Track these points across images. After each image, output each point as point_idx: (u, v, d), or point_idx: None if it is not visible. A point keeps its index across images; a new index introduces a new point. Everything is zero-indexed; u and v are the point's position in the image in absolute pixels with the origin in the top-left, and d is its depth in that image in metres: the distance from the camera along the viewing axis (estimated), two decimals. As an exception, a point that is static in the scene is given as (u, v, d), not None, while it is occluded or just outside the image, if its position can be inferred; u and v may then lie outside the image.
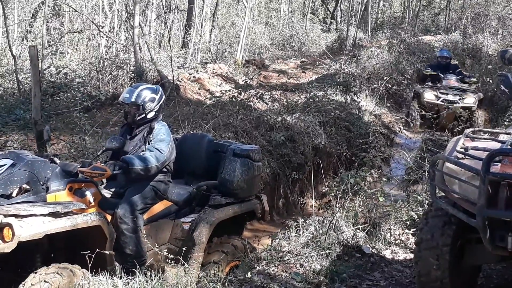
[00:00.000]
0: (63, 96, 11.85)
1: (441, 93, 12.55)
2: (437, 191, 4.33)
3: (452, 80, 12.84)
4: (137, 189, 5.40)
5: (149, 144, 5.47)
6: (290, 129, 9.88)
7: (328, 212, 5.78)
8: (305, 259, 4.97)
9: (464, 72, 13.79)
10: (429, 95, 12.68)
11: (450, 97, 12.38)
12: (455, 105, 11.99)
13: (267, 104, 10.89)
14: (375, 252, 5.39)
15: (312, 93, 11.68)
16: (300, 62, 18.92)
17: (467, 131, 4.65)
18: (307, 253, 5.03)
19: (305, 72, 17.04)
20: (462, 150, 4.21)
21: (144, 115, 5.55)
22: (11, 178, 4.73)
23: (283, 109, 10.84)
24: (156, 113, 5.61)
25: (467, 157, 4.13)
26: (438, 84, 12.93)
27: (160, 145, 5.39)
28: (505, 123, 9.40)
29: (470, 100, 12.35)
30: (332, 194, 5.93)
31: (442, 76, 13.02)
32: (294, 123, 10.07)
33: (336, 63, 15.50)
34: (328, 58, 17.74)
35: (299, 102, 11.50)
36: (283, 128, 9.85)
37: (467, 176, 3.98)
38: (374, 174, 5.84)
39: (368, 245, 5.39)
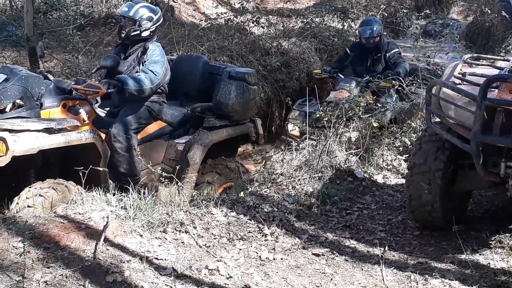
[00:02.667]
0: (56, 14, 11.61)
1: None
2: (432, 117, 4.34)
3: (345, 90, 7.52)
4: (131, 108, 5.39)
5: (143, 65, 5.41)
6: (286, 54, 9.79)
7: (321, 137, 5.78)
8: (297, 182, 5.02)
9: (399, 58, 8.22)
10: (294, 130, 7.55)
11: None
12: None
13: (263, 28, 10.74)
14: (367, 176, 5.44)
15: (309, 19, 11.50)
16: (298, -13, 18.56)
17: (465, 57, 4.62)
18: (299, 176, 5.08)
19: (302, -3, 16.73)
20: (460, 75, 4.18)
21: (138, 32, 5.47)
22: (5, 93, 4.69)
23: (279, 34, 10.70)
24: (151, 33, 5.53)
25: (464, 82, 4.12)
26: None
27: (154, 67, 5.34)
28: (501, 54, 9.31)
29: None
30: (326, 118, 5.92)
31: (340, 78, 7.97)
32: (289, 48, 9.97)
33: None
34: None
35: (296, 27, 11.34)
36: (278, 53, 9.76)
37: (464, 102, 3.98)
38: (369, 99, 5.82)
39: (360, 170, 5.44)
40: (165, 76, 5.53)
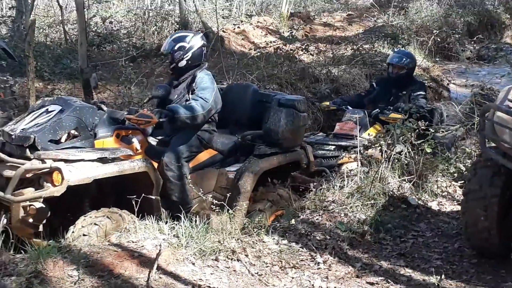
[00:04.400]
0: (109, 47, 11.96)
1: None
2: (486, 141, 4.24)
3: (351, 121, 7.24)
4: (182, 137, 5.44)
5: (192, 93, 5.47)
6: (336, 81, 9.79)
7: (373, 163, 5.71)
8: (350, 209, 4.95)
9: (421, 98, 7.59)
10: None
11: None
12: None
13: (313, 55, 10.77)
14: (421, 203, 5.33)
15: (359, 45, 11.48)
16: (347, 15, 18.58)
17: (521, 80, 4.52)
18: (351, 203, 5.01)
19: (351, 25, 16.75)
20: (515, 99, 4.09)
21: (175, 64, 5.55)
22: (60, 123, 4.81)
23: (328, 61, 10.71)
24: (189, 62, 5.55)
25: (519, 106, 4.02)
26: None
27: (204, 94, 5.38)
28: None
29: None
30: (378, 145, 5.85)
31: (348, 110, 7.60)
32: (339, 75, 9.97)
33: (384, 15, 15.16)
34: (375, 11, 17.37)
35: (345, 54, 11.33)
36: (328, 80, 9.77)
37: (519, 125, 3.88)
38: (421, 125, 5.72)
39: (414, 196, 5.34)
40: (217, 104, 5.57)
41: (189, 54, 5.54)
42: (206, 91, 5.41)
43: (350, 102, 7.82)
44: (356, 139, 6.65)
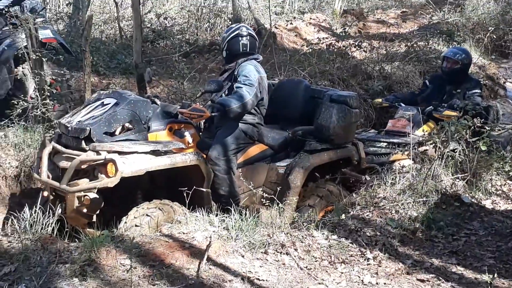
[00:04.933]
0: (163, 43, 12.10)
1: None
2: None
3: (404, 118, 7.15)
4: (226, 131, 5.45)
5: (235, 81, 5.50)
6: (389, 78, 9.68)
7: (426, 161, 5.63)
8: (401, 206, 4.89)
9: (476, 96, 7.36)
10: None
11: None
12: None
13: (366, 52, 10.68)
14: (475, 201, 5.22)
15: (413, 42, 11.32)
16: (401, 13, 18.31)
17: None
18: (403, 200, 4.95)
19: (405, 22, 16.48)
20: None
21: (227, 52, 5.72)
22: (115, 116, 4.90)
23: (381, 58, 10.59)
24: (227, 52, 5.69)
25: None
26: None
27: (247, 79, 5.41)
28: None
29: None
30: (431, 142, 5.76)
31: (400, 107, 7.47)
32: (393, 72, 9.85)
33: (439, 13, 14.90)
34: (430, 8, 17.09)
35: (399, 51, 11.19)
36: (381, 77, 9.67)
37: None
38: (477, 123, 5.60)
39: (467, 195, 5.23)
40: (263, 89, 5.57)
41: (226, 44, 5.63)
42: (248, 76, 5.43)
43: (403, 100, 7.70)
44: (409, 136, 6.57)
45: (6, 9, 6.95)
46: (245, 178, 5.23)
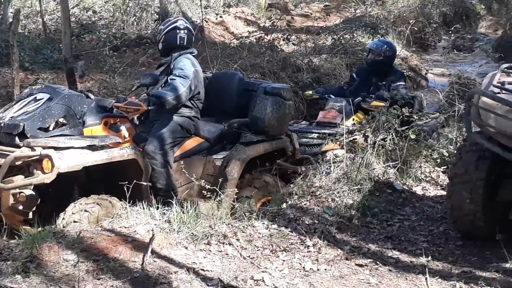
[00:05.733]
0: (88, 37, 11.88)
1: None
2: (472, 126, 4.35)
3: (334, 110, 7.38)
4: (163, 124, 5.44)
5: (171, 74, 5.51)
6: (317, 70, 9.86)
7: (358, 150, 5.80)
8: (337, 194, 5.04)
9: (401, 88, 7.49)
10: None
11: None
12: None
13: (294, 45, 10.84)
14: (406, 188, 5.44)
15: (339, 35, 11.57)
16: (324, 6, 18.66)
17: (503, 66, 4.63)
18: (338, 188, 5.10)
19: (329, 16, 16.85)
20: (499, 84, 4.21)
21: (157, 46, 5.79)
22: (49, 111, 4.82)
23: (309, 51, 10.78)
24: (164, 44, 5.68)
25: (503, 91, 4.13)
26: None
27: (182, 72, 5.42)
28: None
29: None
30: (362, 131, 5.95)
31: (330, 98, 7.65)
32: (321, 64, 10.05)
33: (362, 6, 15.28)
34: (352, 1, 17.50)
35: (326, 44, 11.41)
36: (310, 69, 9.84)
37: (504, 110, 4.00)
38: (405, 112, 5.84)
39: (399, 182, 5.45)
40: (198, 82, 5.59)
41: (162, 37, 5.63)
42: (184, 69, 5.44)
43: (332, 92, 7.90)
44: (339, 127, 6.75)
45: None
46: (182, 171, 5.24)
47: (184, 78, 5.38)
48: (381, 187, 5.28)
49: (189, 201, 4.90)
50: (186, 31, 5.67)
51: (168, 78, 5.46)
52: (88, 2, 14.28)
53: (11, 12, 9.57)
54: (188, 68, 5.45)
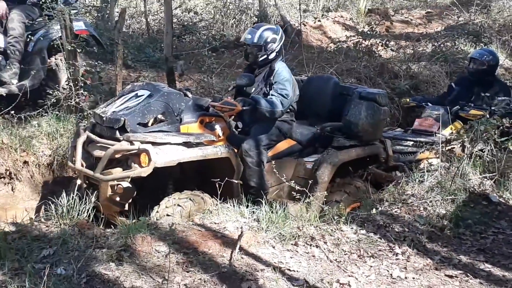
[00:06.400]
0: (189, 38, 12.19)
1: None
2: None
3: (431, 118, 7.28)
4: (262, 126, 5.55)
5: (270, 86, 5.55)
6: (415, 77, 9.70)
7: (454, 159, 5.66)
8: (429, 203, 4.93)
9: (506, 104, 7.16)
10: None
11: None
12: None
13: (393, 51, 10.69)
14: (503, 201, 5.24)
15: (440, 42, 11.31)
16: (426, 13, 18.25)
17: None
18: (431, 197, 4.98)
19: (431, 23, 16.43)
20: None
21: (266, 56, 5.64)
22: (149, 108, 5.00)
23: (408, 57, 10.61)
24: (277, 54, 5.68)
25: None
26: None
27: (283, 90, 5.47)
28: None
29: None
30: (459, 141, 5.79)
31: (427, 106, 7.55)
32: (419, 71, 9.87)
33: (466, 13, 14.85)
34: (456, 8, 17.02)
35: (425, 51, 11.19)
36: (407, 76, 9.69)
37: None
38: (505, 122, 5.63)
39: (495, 194, 5.26)
40: (294, 95, 5.65)
41: (278, 47, 5.64)
42: (285, 86, 5.50)
43: (431, 101, 7.74)
44: (436, 135, 6.60)
45: (42, 1, 7.06)
46: (274, 172, 5.29)
47: (285, 97, 5.47)
48: (476, 198, 5.11)
49: (278, 202, 4.95)
50: (283, 40, 5.73)
51: (270, 92, 5.53)
52: (190, 4, 14.66)
53: (117, 12, 9.95)
54: (288, 85, 5.52)
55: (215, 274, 3.60)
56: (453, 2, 16.37)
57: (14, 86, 7.00)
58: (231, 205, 4.66)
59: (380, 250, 4.28)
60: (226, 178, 4.76)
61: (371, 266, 4.04)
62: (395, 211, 4.87)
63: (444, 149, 5.98)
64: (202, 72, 8.73)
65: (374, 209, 4.77)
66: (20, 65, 7.13)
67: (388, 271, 4.00)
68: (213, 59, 8.44)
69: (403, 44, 11.73)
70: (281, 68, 5.60)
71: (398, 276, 3.94)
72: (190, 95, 5.40)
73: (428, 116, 7.27)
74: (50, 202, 4.58)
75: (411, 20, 16.45)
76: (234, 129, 5.54)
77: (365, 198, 5.41)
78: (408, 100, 8.00)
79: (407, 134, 7.19)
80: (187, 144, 4.89)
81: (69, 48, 6.67)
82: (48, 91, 6.90)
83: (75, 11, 7.30)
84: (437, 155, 5.80)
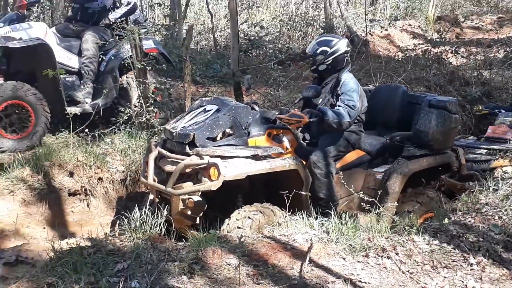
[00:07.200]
0: (256, 52, 12.33)
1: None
2: None
3: (505, 125, 7.16)
4: (330, 137, 5.52)
5: (337, 97, 5.52)
6: (487, 84, 9.47)
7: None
8: (504, 212, 4.78)
9: None
10: None
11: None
12: None
13: (463, 58, 10.48)
14: None
15: (512, 47, 11.05)
16: (497, 18, 17.81)
17: None
18: (506, 206, 4.83)
19: (502, 28, 16.05)
20: None
21: (315, 66, 5.65)
22: (217, 122, 5.07)
23: (479, 64, 10.36)
24: (329, 67, 5.62)
25: None
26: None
27: (351, 101, 5.40)
28: None
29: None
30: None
31: (501, 113, 7.41)
32: (491, 78, 9.63)
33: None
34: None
35: (497, 57, 10.90)
36: (479, 83, 9.48)
37: None
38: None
39: None
40: (362, 105, 5.61)
41: (330, 59, 5.60)
42: (352, 97, 5.43)
43: (504, 108, 7.54)
44: (510, 143, 6.41)
45: (114, 21, 7.31)
46: (343, 184, 5.26)
47: (352, 108, 5.39)
48: (555, 206, 4.93)
49: (348, 213, 4.91)
50: (349, 50, 5.71)
51: (337, 103, 5.48)
52: (256, 19, 14.83)
53: (185, 29, 10.17)
54: (355, 96, 5.45)
55: (285, 286, 3.60)
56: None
57: (88, 105, 7.25)
58: (300, 217, 4.65)
59: (454, 261, 4.18)
60: (295, 190, 4.76)
61: (445, 277, 3.95)
62: (469, 221, 4.74)
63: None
64: (268, 86, 8.82)
65: (447, 219, 4.67)
66: (93, 84, 7.38)
67: (462, 281, 3.90)
68: (279, 72, 8.51)
69: (473, 50, 11.49)
70: (348, 79, 5.56)
71: (473, 287, 3.84)
72: (257, 109, 5.44)
73: (502, 123, 7.08)
74: (123, 217, 4.70)
75: (482, 25, 16.10)
76: (301, 141, 5.54)
77: (437, 208, 5.30)
78: (480, 107, 7.82)
79: (480, 142, 7.02)
80: (255, 157, 4.94)
81: (139, 67, 6.86)
82: (120, 109, 7.12)
83: (144, 30, 7.51)
84: (512, 163, 5.64)
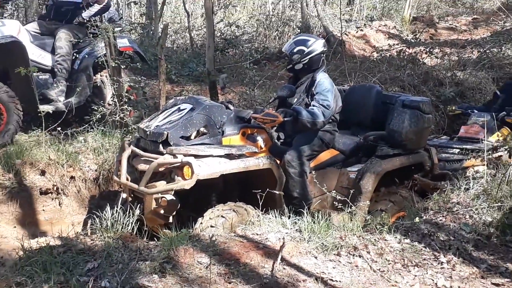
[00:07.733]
0: (232, 51, 12.31)
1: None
2: None
3: (477, 125, 7.23)
4: (304, 137, 5.54)
5: (312, 97, 5.54)
6: (461, 84, 9.57)
7: (500, 166, 5.54)
8: (475, 211, 4.83)
9: None
10: None
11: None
12: None
13: (437, 58, 10.57)
14: (552, 208, 5.12)
15: (486, 48, 11.14)
16: (472, 19, 17.98)
17: None
18: (477, 205, 4.89)
19: (477, 29, 16.19)
20: None
21: (291, 66, 5.68)
22: (191, 121, 5.06)
23: (453, 64, 10.47)
24: (305, 66, 5.65)
25: None
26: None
27: (325, 100, 5.42)
28: None
29: None
30: (506, 148, 5.68)
31: (473, 113, 7.49)
32: (465, 78, 9.73)
33: (513, 18, 14.61)
34: (503, 14, 16.72)
35: (471, 57, 11.02)
36: (453, 83, 9.57)
37: None
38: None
39: (544, 201, 5.13)
40: (337, 105, 5.63)
41: (306, 59, 5.63)
42: (327, 97, 5.45)
43: (476, 108, 7.62)
44: (482, 142, 6.48)
45: (88, 20, 7.25)
46: (316, 183, 5.28)
47: (326, 108, 5.42)
48: (524, 205, 4.99)
49: (321, 212, 4.93)
50: (325, 50, 5.74)
51: (312, 103, 5.50)
52: (233, 18, 14.82)
53: (161, 28, 10.14)
54: (330, 96, 5.48)
55: (257, 285, 3.61)
56: (500, 8, 16.10)
57: (61, 104, 7.18)
58: (273, 216, 4.66)
59: (424, 259, 4.22)
60: (268, 189, 4.77)
61: (415, 276, 3.98)
62: (440, 220, 4.79)
63: (490, 156, 5.88)
64: (244, 85, 8.81)
65: (418, 218, 4.71)
66: (67, 82, 7.32)
67: (433, 280, 3.94)
68: (255, 72, 8.51)
69: (448, 51, 11.58)
70: (323, 79, 5.59)
71: (443, 285, 3.87)
72: (231, 108, 5.43)
73: (474, 123, 7.16)
74: (95, 216, 4.67)
75: (457, 26, 16.25)
76: (276, 140, 5.54)
77: (409, 207, 5.35)
78: (454, 107, 7.90)
79: (453, 142, 7.09)
80: (229, 156, 4.94)
81: (114, 65, 6.82)
82: (93, 107, 7.06)
83: (119, 28, 7.47)
84: (484, 162, 5.70)
